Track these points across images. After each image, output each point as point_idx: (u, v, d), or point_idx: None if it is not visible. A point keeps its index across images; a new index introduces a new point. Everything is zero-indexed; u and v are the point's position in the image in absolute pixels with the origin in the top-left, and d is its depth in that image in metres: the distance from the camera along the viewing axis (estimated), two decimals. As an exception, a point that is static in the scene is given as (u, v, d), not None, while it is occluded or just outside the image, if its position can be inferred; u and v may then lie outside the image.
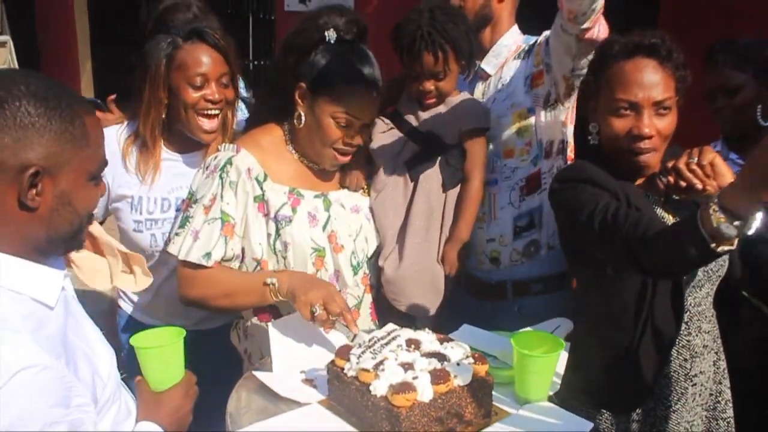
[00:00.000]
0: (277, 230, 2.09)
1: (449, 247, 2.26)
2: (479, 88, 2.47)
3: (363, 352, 1.67)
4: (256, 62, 7.74)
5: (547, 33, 2.28)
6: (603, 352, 1.91)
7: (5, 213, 1.30)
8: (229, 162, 2.10)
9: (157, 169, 2.36)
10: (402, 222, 2.26)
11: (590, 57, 2.07)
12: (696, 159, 1.74)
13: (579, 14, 1.95)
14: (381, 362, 1.61)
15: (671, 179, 1.79)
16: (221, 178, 2.08)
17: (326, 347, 1.96)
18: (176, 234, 2.11)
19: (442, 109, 2.30)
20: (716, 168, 1.70)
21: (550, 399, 1.73)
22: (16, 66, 8.55)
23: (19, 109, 1.27)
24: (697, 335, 1.92)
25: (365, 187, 2.31)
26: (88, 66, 9.54)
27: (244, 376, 1.90)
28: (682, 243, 1.53)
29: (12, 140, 1.26)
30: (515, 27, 2.45)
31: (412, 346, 1.72)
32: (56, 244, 1.39)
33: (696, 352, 1.92)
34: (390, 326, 1.90)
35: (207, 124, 2.30)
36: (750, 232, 1.45)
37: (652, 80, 1.83)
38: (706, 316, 1.94)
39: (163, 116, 2.32)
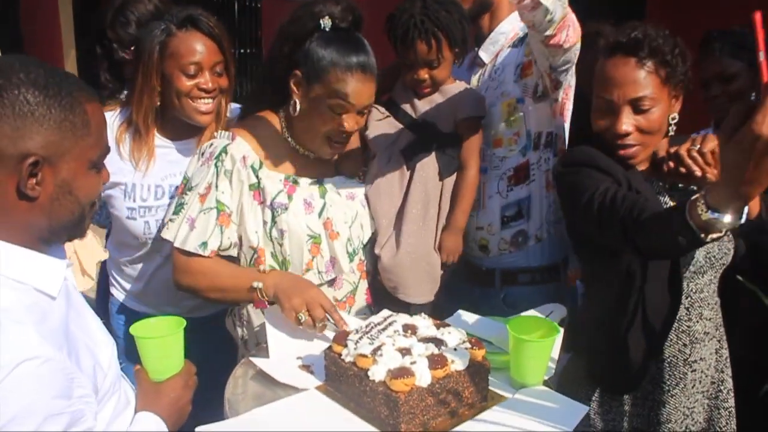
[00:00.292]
0: (273, 218, 2.09)
1: (446, 235, 2.28)
2: (476, 75, 2.47)
3: (360, 338, 1.68)
4: (242, 50, 7.70)
5: None
6: (601, 333, 1.93)
7: (6, 202, 1.29)
8: (224, 150, 2.10)
9: (151, 156, 2.36)
10: (398, 210, 2.27)
11: (570, 56, 2.09)
12: (698, 146, 1.75)
13: (536, 25, 1.96)
14: (379, 347, 1.62)
15: (672, 165, 1.81)
16: (216, 166, 2.08)
17: (322, 334, 1.97)
18: (171, 220, 2.11)
19: (437, 97, 2.31)
20: (717, 156, 1.71)
21: (546, 383, 1.75)
22: (-1, 54, 8.44)
23: (17, 97, 1.25)
24: (698, 321, 1.94)
25: (361, 173, 2.31)
26: (72, 54, 9.46)
27: (241, 362, 1.91)
28: (673, 231, 1.55)
29: (11, 129, 1.25)
30: (516, 13, 2.41)
31: (409, 331, 1.73)
32: (58, 232, 1.38)
33: (696, 338, 1.94)
34: (385, 312, 1.91)
35: (203, 106, 2.29)
36: (738, 223, 1.46)
37: (628, 79, 1.84)
38: (708, 303, 1.96)
39: (157, 104, 2.31)
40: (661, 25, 1.89)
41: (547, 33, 1.97)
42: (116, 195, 2.36)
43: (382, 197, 2.27)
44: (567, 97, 2.37)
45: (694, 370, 1.95)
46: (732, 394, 2.01)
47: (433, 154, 2.27)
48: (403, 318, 1.80)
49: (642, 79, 1.84)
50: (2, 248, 1.30)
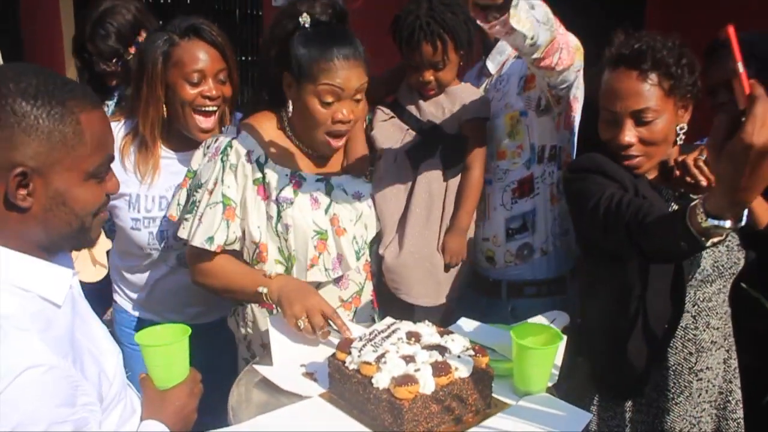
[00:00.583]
0: (279, 212, 2.10)
1: (449, 236, 2.28)
2: (482, 85, 2.47)
3: (364, 346, 1.68)
4: (243, 58, 7.70)
5: None
6: (603, 338, 1.94)
7: (1, 213, 1.29)
8: (230, 145, 2.12)
9: (157, 169, 2.36)
10: (402, 211, 2.27)
11: (568, 76, 2.09)
12: (704, 156, 1.76)
13: (519, 48, 1.93)
14: (382, 355, 1.62)
15: (678, 173, 1.82)
16: (223, 161, 2.11)
17: (326, 341, 1.97)
18: (185, 219, 2.14)
19: (442, 98, 2.32)
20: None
21: (549, 391, 1.75)
22: (0, 61, 8.45)
23: (4, 108, 1.24)
24: (704, 330, 1.94)
25: (368, 173, 2.31)
26: (74, 61, 9.44)
27: (244, 370, 1.91)
28: (675, 235, 1.55)
29: None
30: None
31: (413, 338, 1.73)
32: (58, 243, 1.37)
33: (702, 347, 1.94)
34: (389, 320, 1.91)
35: (204, 122, 2.29)
36: (739, 226, 1.47)
37: (630, 91, 1.85)
38: (717, 313, 1.96)
39: (164, 115, 2.31)
40: (672, 34, 1.89)
41: (534, 56, 1.94)
42: (120, 206, 2.36)
43: (387, 198, 2.27)
44: (573, 110, 2.35)
45: (700, 379, 1.95)
46: (741, 405, 2.01)
47: (438, 155, 2.27)
48: (406, 325, 1.81)
49: (645, 91, 1.84)
50: (7, 256, 1.30)
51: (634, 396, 1.94)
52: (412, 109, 2.34)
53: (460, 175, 2.30)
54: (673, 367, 1.94)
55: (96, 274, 2.23)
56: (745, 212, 1.44)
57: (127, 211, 2.36)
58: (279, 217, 2.10)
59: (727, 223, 1.44)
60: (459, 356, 1.65)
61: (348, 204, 2.21)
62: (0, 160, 1.25)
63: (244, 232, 2.13)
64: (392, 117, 2.35)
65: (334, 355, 1.72)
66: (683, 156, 1.82)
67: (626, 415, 1.95)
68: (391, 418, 1.53)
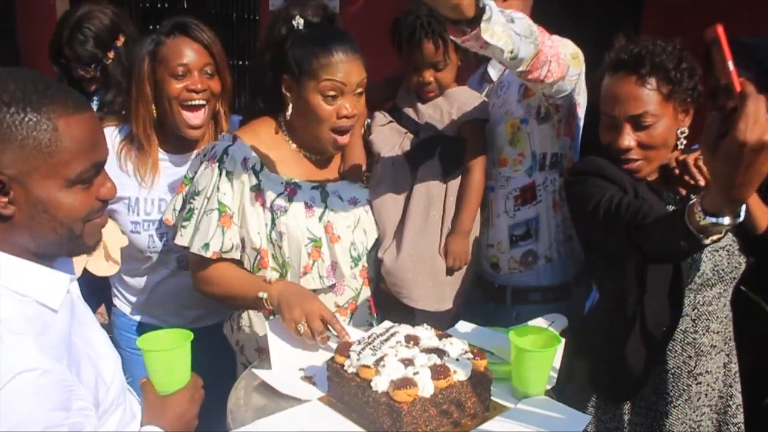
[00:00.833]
0: (273, 220, 2.11)
1: (451, 239, 2.28)
2: (484, 92, 2.47)
3: (363, 349, 1.68)
4: (240, 62, 7.70)
5: None
6: (603, 340, 1.94)
7: None
8: (226, 152, 2.12)
9: (156, 170, 2.37)
10: (401, 214, 2.27)
11: (563, 86, 2.08)
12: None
13: (500, 61, 1.93)
14: (381, 358, 1.62)
15: (677, 172, 1.83)
16: (219, 169, 2.11)
17: (325, 345, 1.97)
18: (183, 227, 2.14)
19: (440, 101, 2.32)
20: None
21: (547, 393, 1.75)
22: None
23: None
24: (704, 334, 1.94)
25: (365, 178, 2.31)
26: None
27: (243, 374, 1.91)
28: (674, 235, 1.57)
29: None
30: None
31: (411, 342, 1.73)
32: (48, 249, 1.36)
33: (702, 351, 1.95)
34: (387, 323, 1.91)
35: (193, 118, 2.30)
36: (737, 222, 1.48)
37: (629, 96, 1.87)
38: (717, 317, 1.96)
39: (154, 114, 2.32)
40: (673, 39, 1.90)
41: (519, 69, 1.93)
42: (120, 210, 2.37)
43: (385, 202, 2.27)
44: (574, 116, 2.35)
45: (699, 383, 1.95)
46: (741, 410, 2.01)
47: (437, 157, 2.27)
48: (405, 329, 1.81)
49: (643, 96, 1.85)
50: (4, 261, 1.30)
51: (630, 398, 1.94)
52: (410, 112, 2.35)
53: (459, 177, 2.30)
54: (672, 371, 1.94)
55: (109, 269, 2.23)
56: (743, 208, 1.46)
57: (126, 214, 2.36)
58: (273, 224, 2.11)
59: (725, 220, 1.46)
60: (458, 359, 1.65)
61: (344, 211, 2.21)
62: None
63: (243, 240, 2.13)
64: (391, 121, 2.35)
65: (332, 358, 1.72)
66: (683, 156, 1.83)
67: (625, 417, 1.95)
68: (390, 421, 1.53)
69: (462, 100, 2.31)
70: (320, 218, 2.16)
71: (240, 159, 2.12)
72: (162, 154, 2.40)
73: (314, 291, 2.14)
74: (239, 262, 2.17)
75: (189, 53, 2.27)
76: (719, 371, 1.99)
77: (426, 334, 1.77)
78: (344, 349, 1.71)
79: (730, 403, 2.01)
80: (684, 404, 1.94)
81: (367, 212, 2.26)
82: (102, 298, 2.98)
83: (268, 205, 2.11)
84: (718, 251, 1.92)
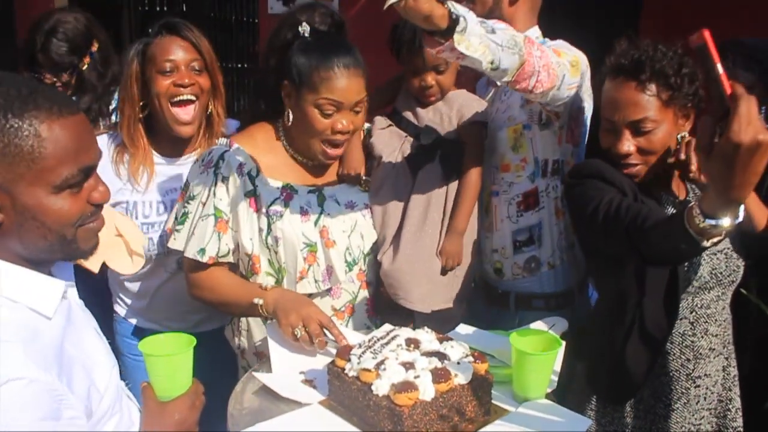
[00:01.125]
0: (269, 225, 2.11)
1: (446, 239, 2.27)
2: (489, 95, 2.47)
3: (363, 352, 1.68)
4: (239, 65, 7.71)
5: (551, 42, 2.26)
6: (602, 341, 1.95)
7: None
8: (222, 157, 2.12)
9: (151, 173, 2.38)
10: (401, 217, 2.27)
11: (559, 94, 2.07)
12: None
13: (485, 73, 1.91)
14: (382, 362, 1.62)
15: (682, 156, 1.85)
16: (215, 174, 2.11)
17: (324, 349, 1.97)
18: (176, 230, 2.14)
19: (439, 104, 2.32)
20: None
21: (548, 396, 1.75)
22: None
23: None
24: (702, 337, 1.95)
25: (363, 182, 2.31)
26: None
27: (243, 377, 1.91)
28: (674, 238, 1.57)
29: None
30: (532, 30, 2.38)
31: (412, 345, 1.73)
32: (43, 255, 1.34)
33: (701, 354, 1.95)
34: (387, 326, 1.91)
35: (182, 114, 2.32)
36: (736, 223, 1.48)
37: (629, 101, 1.87)
38: (716, 320, 1.96)
39: (140, 114, 2.35)
40: (674, 43, 1.90)
41: (505, 80, 1.92)
42: None
43: (387, 205, 2.27)
44: (577, 123, 2.33)
45: (698, 386, 1.95)
46: (740, 413, 2.01)
47: (437, 160, 2.27)
48: (405, 332, 1.80)
49: (643, 101, 1.86)
50: None
51: (627, 400, 1.94)
52: (409, 115, 2.35)
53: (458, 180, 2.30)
54: (671, 374, 1.94)
55: (133, 266, 2.22)
56: (741, 209, 1.46)
57: None
58: (269, 229, 2.11)
59: (725, 222, 1.46)
60: (458, 363, 1.65)
61: (341, 215, 2.21)
62: None
63: (237, 245, 2.13)
64: (390, 125, 2.35)
65: (333, 362, 1.72)
66: (690, 137, 1.83)
67: (624, 420, 1.95)
68: (390, 424, 1.53)
69: (461, 102, 2.32)
70: (316, 223, 2.16)
71: (236, 164, 2.12)
72: (156, 158, 2.41)
73: (310, 295, 2.15)
74: (235, 266, 2.17)
75: (176, 50, 2.31)
76: (718, 374, 1.99)
77: (427, 337, 1.77)
78: (345, 352, 1.71)
79: (730, 406, 2.01)
80: (683, 407, 1.94)
81: (364, 216, 2.26)
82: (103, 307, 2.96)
83: (263, 210, 2.11)
84: (716, 254, 1.92)
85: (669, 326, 1.89)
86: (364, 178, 2.31)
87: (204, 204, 2.11)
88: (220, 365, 2.28)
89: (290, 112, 2.10)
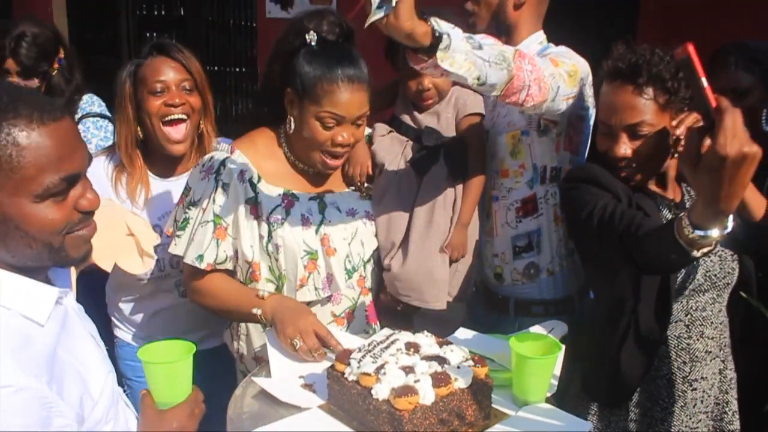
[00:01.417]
0: (270, 232, 2.10)
1: (453, 232, 2.26)
2: (491, 98, 2.46)
3: (363, 356, 1.68)
4: (237, 69, 7.72)
5: (553, 49, 2.26)
6: (598, 344, 1.95)
7: None
8: (223, 164, 2.12)
9: (147, 191, 2.41)
10: (407, 220, 2.26)
11: (555, 106, 2.06)
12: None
13: (472, 88, 1.91)
14: (382, 366, 1.62)
15: (681, 144, 1.84)
16: (216, 180, 2.10)
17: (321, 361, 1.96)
18: (177, 236, 2.14)
19: (436, 104, 2.32)
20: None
21: (548, 400, 1.75)
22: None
23: None
24: (698, 340, 1.95)
25: (364, 189, 2.30)
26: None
27: (243, 382, 1.91)
28: (665, 248, 1.58)
29: None
30: (537, 34, 2.36)
31: (412, 349, 1.73)
32: (31, 263, 1.33)
33: (697, 357, 1.95)
34: (387, 330, 1.91)
35: (173, 133, 2.35)
36: (725, 233, 1.50)
37: (626, 105, 1.88)
38: (711, 322, 1.96)
39: (136, 134, 2.38)
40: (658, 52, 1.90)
41: (494, 94, 1.92)
42: None
43: (393, 212, 2.26)
44: (576, 131, 2.32)
45: (695, 389, 1.95)
46: (737, 417, 2.01)
47: (442, 160, 2.27)
48: (405, 336, 1.80)
49: (640, 105, 1.86)
50: None
51: (626, 402, 1.94)
52: (407, 119, 2.35)
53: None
54: (667, 377, 1.94)
55: (143, 266, 2.23)
56: (730, 219, 1.48)
57: None
58: (270, 236, 2.10)
59: (713, 233, 1.48)
60: (458, 367, 1.64)
61: (341, 223, 2.20)
62: None
63: (237, 252, 2.12)
64: (391, 131, 2.34)
65: (333, 366, 1.72)
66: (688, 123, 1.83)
67: (621, 424, 1.95)
68: (390, 429, 1.53)
69: (456, 96, 2.32)
70: (317, 230, 2.15)
71: (237, 171, 2.11)
72: (152, 178, 2.45)
73: (310, 302, 2.14)
74: (233, 273, 2.17)
75: (166, 70, 2.34)
76: (715, 377, 1.99)
77: (426, 341, 1.77)
78: (344, 356, 1.70)
79: (726, 409, 2.01)
80: (679, 410, 1.94)
81: (365, 224, 2.25)
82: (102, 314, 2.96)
83: (264, 217, 2.10)
84: (709, 257, 1.93)
85: (662, 329, 1.90)
86: (365, 185, 2.30)
87: (204, 210, 2.10)
88: (221, 374, 2.29)
89: (292, 120, 2.09)
